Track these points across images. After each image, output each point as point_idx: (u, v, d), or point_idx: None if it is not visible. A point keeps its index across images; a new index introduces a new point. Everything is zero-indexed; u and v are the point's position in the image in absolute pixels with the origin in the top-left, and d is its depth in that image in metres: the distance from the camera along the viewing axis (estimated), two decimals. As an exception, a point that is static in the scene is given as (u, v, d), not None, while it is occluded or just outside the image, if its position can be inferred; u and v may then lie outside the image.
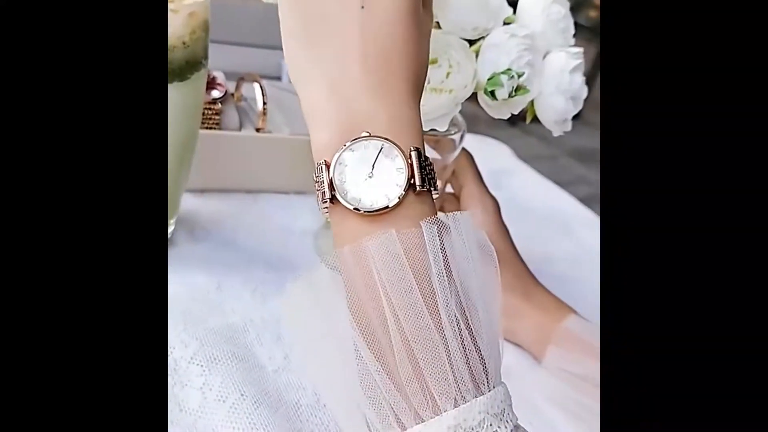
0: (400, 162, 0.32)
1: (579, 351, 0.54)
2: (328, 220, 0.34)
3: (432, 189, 0.33)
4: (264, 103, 0.66)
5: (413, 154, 0.32)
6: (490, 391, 0.31)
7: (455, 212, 0.33)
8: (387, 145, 0.32)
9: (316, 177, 0.33)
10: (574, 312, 0.57)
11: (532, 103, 0.50)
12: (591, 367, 0.53)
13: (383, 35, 0.33)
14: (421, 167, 0.32)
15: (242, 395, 0.46)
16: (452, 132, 0.57)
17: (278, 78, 0.79)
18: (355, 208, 0.32)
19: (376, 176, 0.32)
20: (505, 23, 0.49)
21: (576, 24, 0.53)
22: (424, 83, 0.36)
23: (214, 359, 0.49)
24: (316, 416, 0.47)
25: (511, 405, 0.32)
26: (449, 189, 0.64)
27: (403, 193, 0.32)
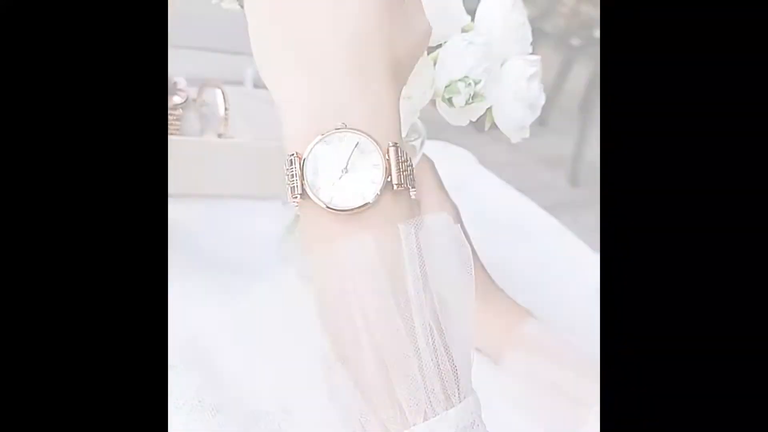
0: (377, 158, 0.30)
1: (536, 354, 0.55)
2: (298, 213, 0.32)
3: (410, 187, 0.31)
4: (225, 109, 0.66)
5: (391, 149, 0.30)
6: (461, 402, 0.30)
7: (434, 213, 0.31)
8: (364, 139, 0.30)
9: (287, 169, 0.30)
10: (532, 316, 0.58)
11: (490, 110, 0.51)
12: (548, 370, 0.53)
13: (357, 16, 0.31)
14: (399, 164, 0.30)
15: (200, 402, 0.46)
16: (412, 138, 0.57)
17: (240, 83, 0.79)
18: (327, 207, 0.30)
19: (350, 172, 0.30)
20: (463, 31, 0.49)
21: (542, 32, 0.54)
22: (406, 72, 0.34)
23: (172, 365, 0.48)
24: (275, 423, 0.47)
25: (480, 415, 0.31)
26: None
27: (380, 191, 0.30)
